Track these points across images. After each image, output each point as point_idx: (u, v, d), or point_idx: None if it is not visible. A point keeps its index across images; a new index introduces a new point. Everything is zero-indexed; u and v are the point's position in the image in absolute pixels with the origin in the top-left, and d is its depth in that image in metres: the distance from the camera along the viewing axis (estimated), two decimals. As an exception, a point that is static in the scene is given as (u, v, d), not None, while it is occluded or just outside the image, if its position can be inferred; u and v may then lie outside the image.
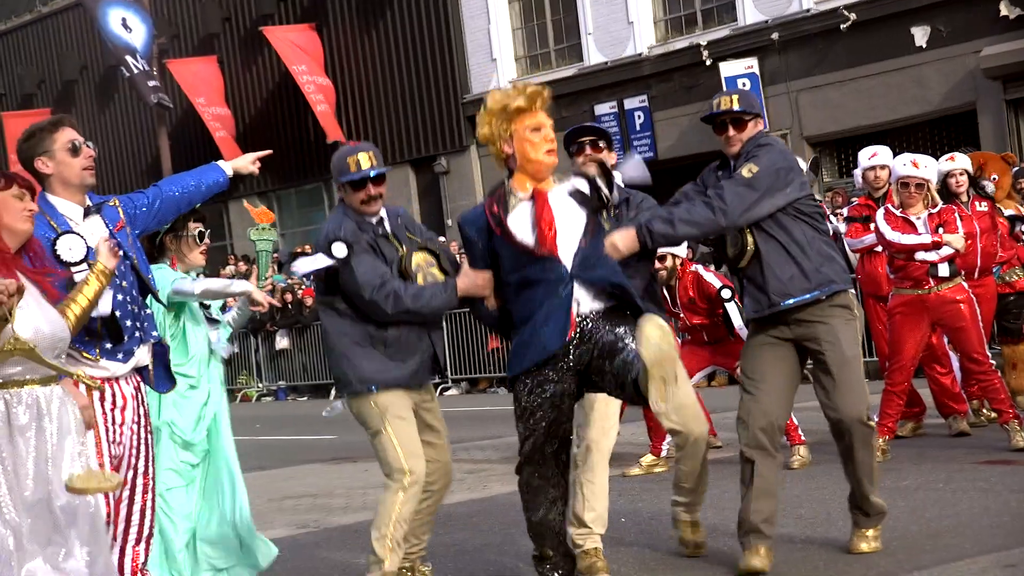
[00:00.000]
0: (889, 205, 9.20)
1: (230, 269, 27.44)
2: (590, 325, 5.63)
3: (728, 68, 21.45)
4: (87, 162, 5.11)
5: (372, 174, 6.06)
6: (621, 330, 5.58)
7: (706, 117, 6.26)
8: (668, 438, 9.57)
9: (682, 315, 9.78)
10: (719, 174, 6.24)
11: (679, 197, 6.27)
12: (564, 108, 24.44)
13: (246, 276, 26.13)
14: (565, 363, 5.63)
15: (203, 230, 6.54)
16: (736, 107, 6.17)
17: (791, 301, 6.01)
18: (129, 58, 28.22)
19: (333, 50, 27.98)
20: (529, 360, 5.65)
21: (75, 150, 5.09)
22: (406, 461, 5.99)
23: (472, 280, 5.89)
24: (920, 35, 19.97)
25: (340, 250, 5.94)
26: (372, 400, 6.05)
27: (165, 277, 6.24)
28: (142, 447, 5.12)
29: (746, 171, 5.96)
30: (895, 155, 9.90)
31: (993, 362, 9.33)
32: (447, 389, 20.21)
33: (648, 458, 9.65)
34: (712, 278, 9.72)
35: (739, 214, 5.92)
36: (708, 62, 22.01)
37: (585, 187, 5.72)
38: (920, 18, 19.90)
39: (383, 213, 6.19)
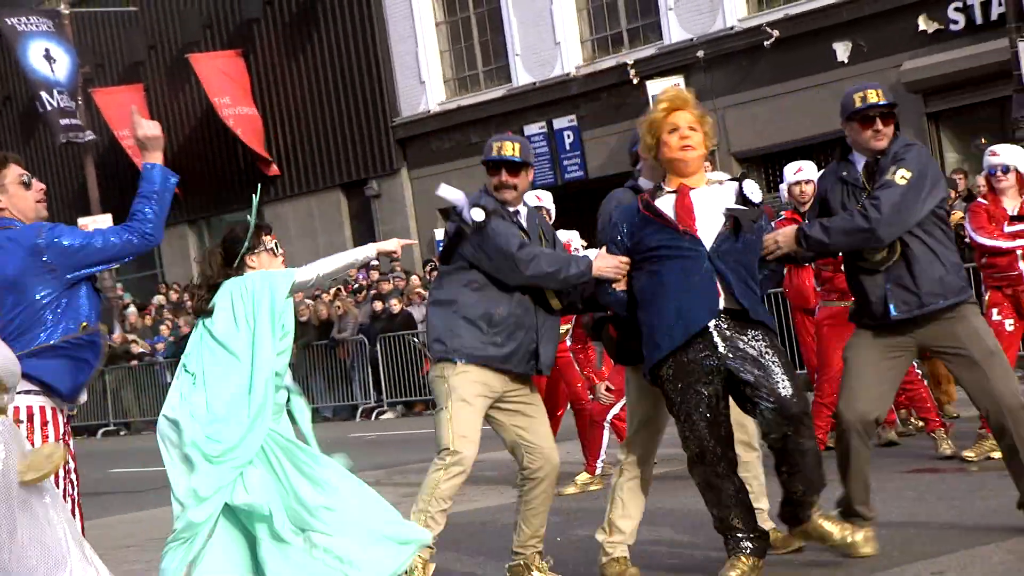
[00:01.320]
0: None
1: (159, 299, 27.25)
2: (726, 325, 5.76)
3: (655, 86, 21.62)
4: (39, 195, 5.26)
5: (508, 159, 6.25)
6: (760, 345, 5.75)
7: (854, 113, 6.16)
8: (602, 456, 9.63)
9: None
10: (844, 173, 6.21)
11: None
12: (494, 129, 24.53)
13: (178, 305, 25.97)
14: (712, 346, 5.73)
15: (276, 240, 6.22)
16: (883, 100, 6.15)
17: (943, 303, 6.09)
18: (44, 93, 27.98)
19: (261, 76, 27.92)
20: (678, 338, 5.73)
21: (27, 184, 5.23)
22: (455, 441, 6.15)
23: (608, 261, 6.02)
24: (842, 50, 20.26)
25: (479, 214, 6.14)
26: (450, 372, 6.18)
27: (274, 276, 5.82)
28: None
29: (899, 177, 5.96)
30: (820, 169, 10.05)
31: (919, 372, 9.48)
32: (382, 413, 20.17)
33: (583, 476, 9.71)
34: None
35: (897, 225, 5.97)
36: (635, 81, 22.19)
37: (732, 195, 5.90)
38: (841, 34, 20.19)
39: (521, 209, 6.39)
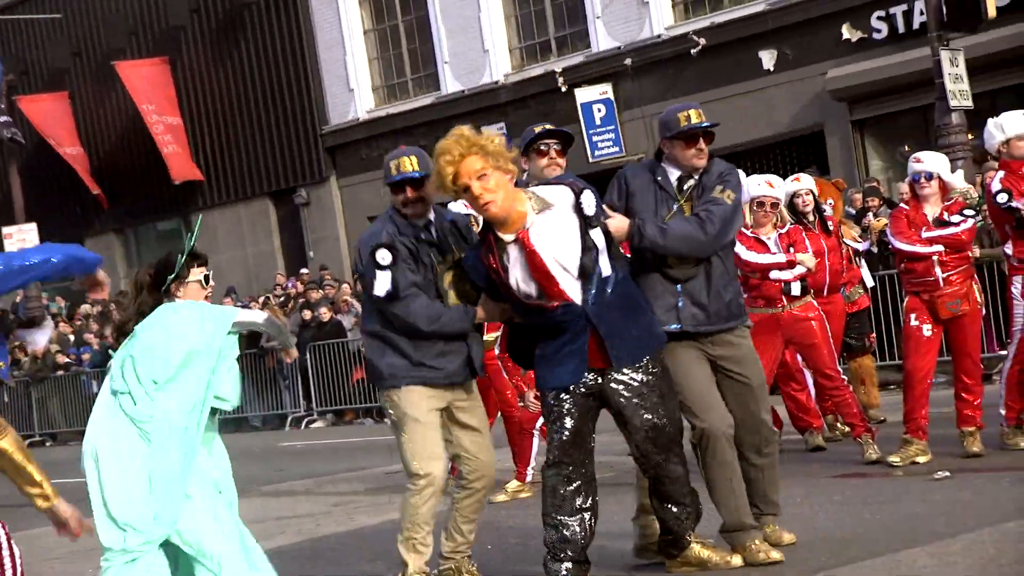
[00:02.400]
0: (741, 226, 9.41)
1: (85, 308, 26.94)
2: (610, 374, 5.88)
3: (583, 94, 21.74)
4: None
5: (411, 176, 6.26)
6: (640, 375, 5.90)
7: (680, 132, 6.34)
8: (532, 463, 9.65)
9: None
10: (659, 178, 6.37)
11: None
12: (422, 137, 24.49)
13: (104, 315, 25.67)
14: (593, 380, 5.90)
15: (207, 273, 6.02)
16: (707, 121, 6.40)
17: (725, 325, 6.35)
18: None
19: (187, 83, 27.72)
20: (564, 380, 5.88)
21: None
22: (419, 464, 6.26)
23: (490, 310, 6.18)
24: (767, 59, 20.46)
25: (385, 257, 6.23)
26: (395, 397, 6.30)
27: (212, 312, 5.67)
28: None
29: (727, 196, 6.22)
30: (745, 175, 10.15)
31: (845, 377, 9.59)
32: (312, 422, 20.08)
33: (513, 484, 9.71)
34: None
35: (722, 241, 6.25)
36: (564, 88, 22.27)
37: (565, 199, 5.81)
38: (767, 42, 20.39)
39: (432, 217, 6.39)
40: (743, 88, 20.57)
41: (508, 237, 5.76)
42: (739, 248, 9.16)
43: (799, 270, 9.23)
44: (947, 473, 8.16)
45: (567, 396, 5.89)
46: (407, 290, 6.24)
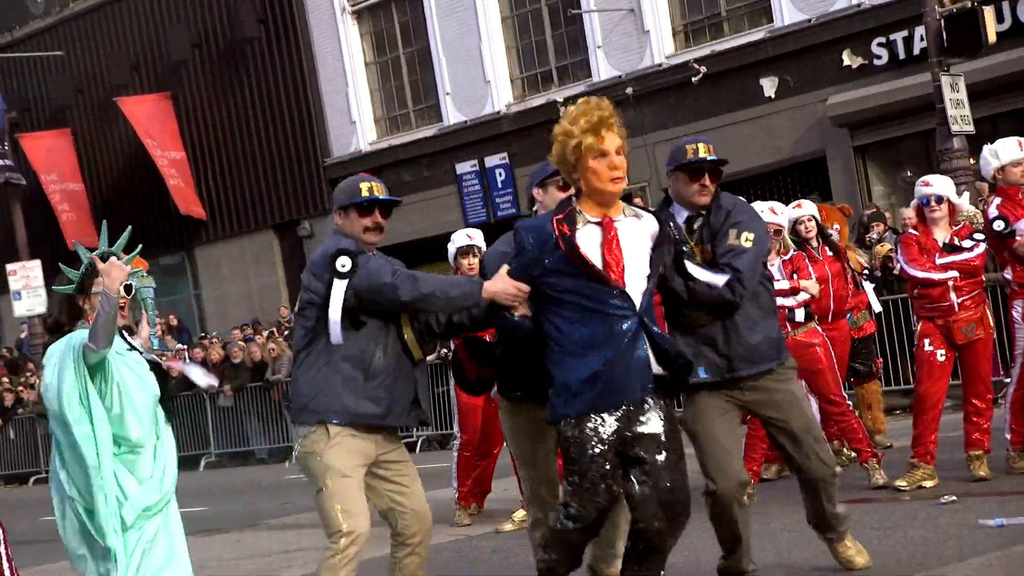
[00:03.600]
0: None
1: None
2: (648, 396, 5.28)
3: (585, 123, 21.75)
4: None
5: (383, 199, 5.84)
6: (666, 425, 5.28)
7: (685, 164, 6.03)
8: None
9: None
10: (682, 227, 6.04)
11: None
12: (426, 168, 24.60)
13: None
14: (629, 419, 5.24)
15: (126, 283, 5.80)
16: (713, 155, 6.03)
17: (752, 370, 5.98)
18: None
19: (189, 118, 27.81)
20: (601, 401, 5.18)
21: None
22: (345, 521, 5.66)
23: (505, 286, 5.45)
24: (768, 86, 20.51)
25: (345, 263, 5.64)
26: (321, 448, 5.68)
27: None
28: None
29: (745, 240, 5.87)
30: (749, 203, 10.16)
31: (850, 403, 9.57)
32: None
33: (520, 513, 9.69)
34: None
35: (748, 290, 5.88)
36: (565, 118, 22.30)
37: (651, 224, 5.41)
38: (768, 69, 20.45)
39: (376, 252, 5.89)
40: (744, 115, 20.61)
41: (593, 217, 5.28)
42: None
43: (802, 296, 9.23)
44: (954, 497, 8.13)
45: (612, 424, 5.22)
46: (394, 272, 5.65)
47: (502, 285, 5.43)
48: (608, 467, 5.16)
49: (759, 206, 9.46)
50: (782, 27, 20.30)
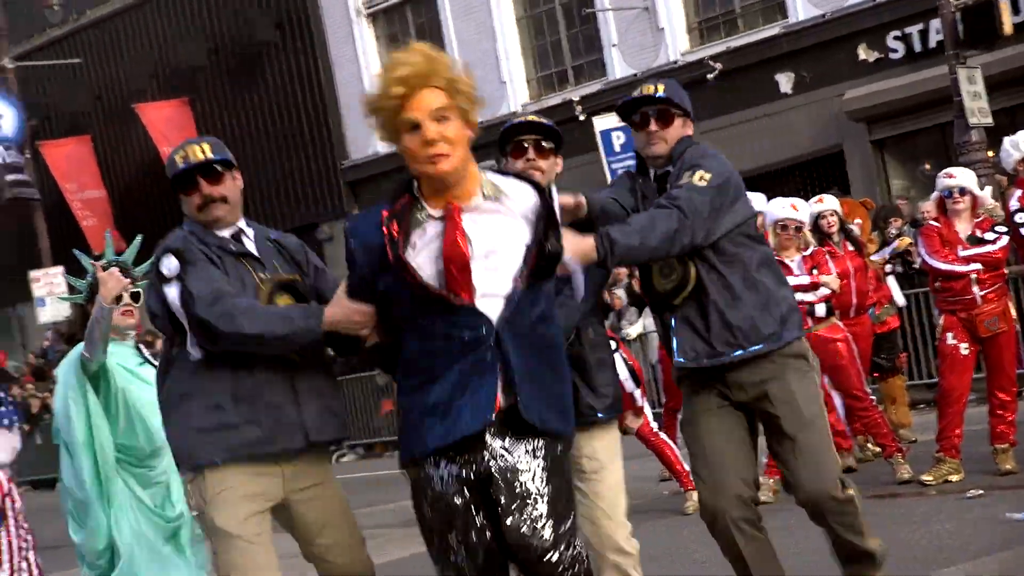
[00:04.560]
0: (763, 250, 9.42)
1: None
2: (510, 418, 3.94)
3: (602, 122, 21.78)
4: None
5: (202, 163, 4.60)
6: (528, 468, 3.94)
7: (624, 105, 5.09)
8: (686, 464, 9.42)
9: None
10: (640, 182, 5.10)
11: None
12: (443, 169, 24.63)
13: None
14: (481, 456, 3.94)
15: (134, 291, 5.93)
16: (660, 93, 5.00)
17: (739, 352, 4.89)
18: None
19: (207, 123, 27.89)
20: (438, 438, 3.93)
21: None
22: None
23: (346, 312, 4.20)
24: (785, 81, 20.50)
25: (170, 265, 4.52)
26: (207, 500, 4.52)
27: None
28: None
29: (697, 178, 4.77)
30: (767, 199, 10.17)
31: (873, 398, 9.57)
32: (342, 455, 20.09)
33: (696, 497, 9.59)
34: None
35: (704, 227, 4.74)
36: (582, 117, 22.34)
37: (527, 199, 4.01)
38: (784, 65, 20.42)
39: (243, 226, 4.72)
40: (761, 111, 20.59)
41: (435, 211, 3.93)
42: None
43: (823, 292, 9.24)
44: (980, 491, 8.14)
45: (455, 471, 3.95)
46: (217, 290, 4.45)
47: (341, 312, 4.22)
48: (463, 517, 3.95)
49: (779, 203, 9.48)
50: (797, 22, 20.27)
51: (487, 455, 3.91)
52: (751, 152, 20.66)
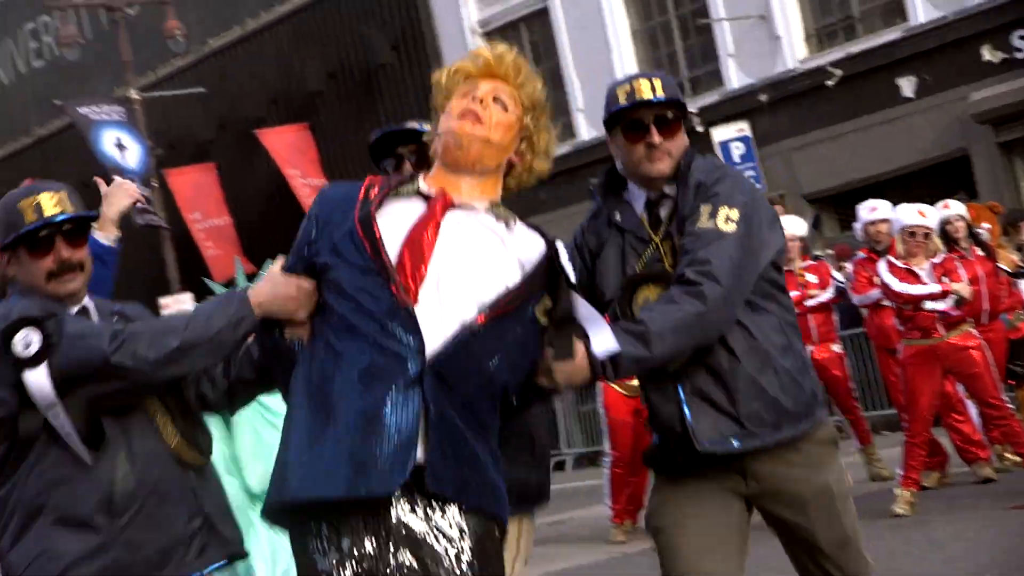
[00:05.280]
0: (891, 257, 9.27)
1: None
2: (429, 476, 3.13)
3: (720, 133, 21.63)
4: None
5: (64, 220, 3.61)
6: (444, 538, 3.14)
7: (617, 115, 3.96)
8: None
9: None
10: (614, 215, 3.98)
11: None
12: (561, 186, 24.62)
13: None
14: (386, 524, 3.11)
15: None
16: (660, 95, 3.91)
17: (782, 434, 3.81)
18: (118, 178, 28.50)
19: (328, 146, 28.26)
20: (336, 490, 3.08)
21: None
22: None
23: (278, 287, 3.38)
24: (907, 85, 20.16)
25: (29, 340, 3.45)
26: None
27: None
28: None
29: (722, 219, 3.73)
30: (893, 206, 10.02)
31: (1011, 406, 9.35)
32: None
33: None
34: None
35: (737, 296, 3.72)
36: (700, 128, 22.20)
37: (532, 248, 3.36)
38: (906, 69, 20.09)
39: (88, 304, 3.70)
40: (883, 117, 20.28)
41: (425, 186, 3.37)
42: (890, 279, 9.03)
43: (954, 300, 9.06)
44: None
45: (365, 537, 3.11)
46: (106, 328, 3.53)
47: (270, 288, 3.41)
48: None
49: (907, 209, 9.31)
50: (918, 25, 19.93)
51: (395, 522, 3.08)
52: (874, 158, 20.36)
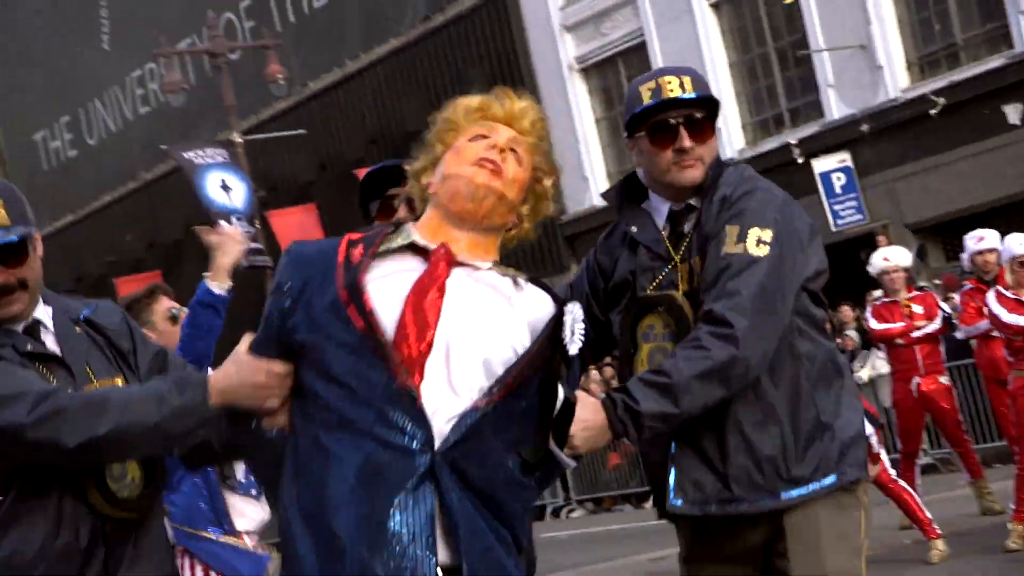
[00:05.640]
0: (999, 287, 9.10)
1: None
2: None
3: (821, 164, 21.45)
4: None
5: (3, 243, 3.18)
6: None
7: (641, 116, 3.56)
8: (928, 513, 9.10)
9: None
10: (631, 227, 3.53)
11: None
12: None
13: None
14: None
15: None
16: (690, 92, 3.49)
17: (766, 501, 3.33)
18: (224, 222, 28.87)
19: (428, 185, 28.49)
20: None
21: (174, 319, 5.23)
22: None
23: (245, 372, 2.92)
24: (1012, 113, 19.82)
25: None
26: None
27: None
28: None
29: (753, 243, 3.26)
30: (1001, 235, 9.85)
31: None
32: (571, 511, 20.08)
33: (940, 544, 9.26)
34: None
35: (770, 332, 3.25)
36: (800, 160, 22.02)
37: (541, 307, 2.92)
38: (1011, 96, 19.77)
39: (42, 315, 3.32)
40: (990, 144, 19.95)
41: (423, 241, 2.90)
42: (999, 310, 8.86)
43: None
44: None
45: None
46: (35, 391, 3.04)
47: (236, 375, 2.92)
48: None
49: (1016, 238, 9.13)
50: (1023, 52, 19.62)
51: None
52: (979, 187, 20.03)
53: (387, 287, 2.80)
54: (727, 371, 3.18)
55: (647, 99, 3.53)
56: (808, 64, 22.27)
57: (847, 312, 17.28)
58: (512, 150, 2.97)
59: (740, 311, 3.19)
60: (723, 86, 23.48)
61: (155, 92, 34.64)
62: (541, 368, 2.84)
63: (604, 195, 3.73)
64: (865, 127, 21.28)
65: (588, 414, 3.09)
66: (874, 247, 14.81)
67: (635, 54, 24.80)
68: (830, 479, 3.35)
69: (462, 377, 2.76)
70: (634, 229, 3.53)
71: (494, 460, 2.79)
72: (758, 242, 3.27)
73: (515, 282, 2.94)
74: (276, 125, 31.61)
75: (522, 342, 2.83)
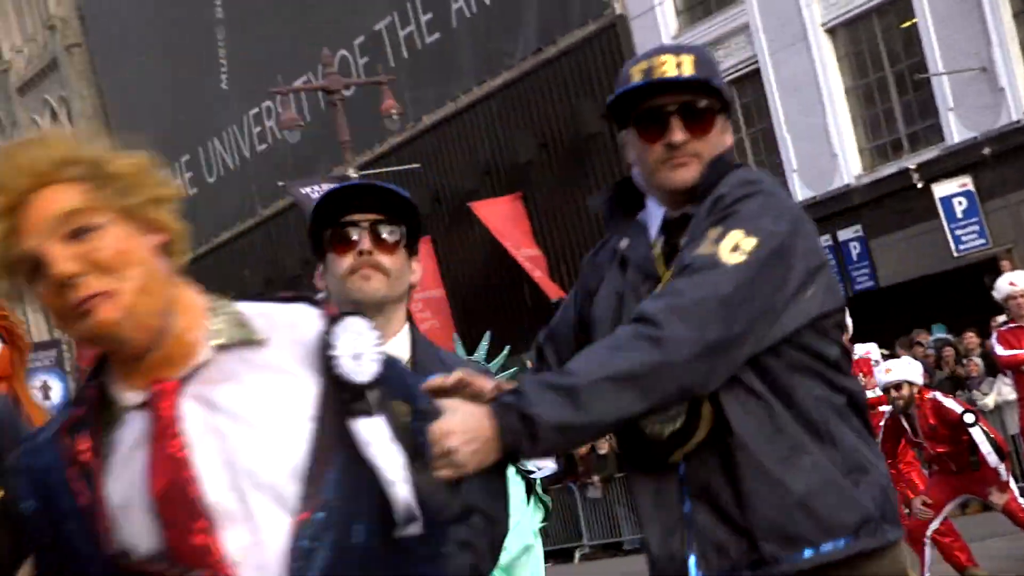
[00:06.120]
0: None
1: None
2: None
3: (941, 189, 21.04)
4: None
5: None
6: None
7: (622, 97, 2.90)
8: (927, 574, 9.16)
9: (925, 445, 9.44)
10: (623, 241, 2.95)
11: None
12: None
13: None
14: None
15: None
16: (687, 73, 2.83)
17: (809, 553, 2.67)
18: None
19: (540, 216, 28.47)
20: None
21: None
22: None
23: None
24: None
25: None
26: None
27: None
28: None
29: (727, 246, 2.65)
30: None
31: None
32: (585, 553, 19.83)
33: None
34: (952, 404, 9.38)
35: (723, 353, 2.60)
36: (920, 185, 21.62)
37: (295, 331, 2.10)
38: None
39: None
40: (1118, 165, 19.43)
41: (132, 396, 2.08)
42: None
43: None
44: None
45: None
46: None
47: None
48: None
49: None
50: None
51: None
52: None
53: (120, 484, 2.05)
54: (647, 379, 2.52)
55: (637, 78, 2.87)
56: (927, 88, 21.88)
57: (972, 338, 16.90)
58: (74, 233, 1.99)
59: (677, 314, 2.55)
60: (839, 112, 23.18)
61: (272, 129, 35.17)
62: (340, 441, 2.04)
63: (591, 203, 3.15)
64: (987, 150, 20.82)
65: (472, 423, 2.39)
66: (998, 272, 14.45)
67: (749, 81, 24.57)
68: (882, 532, 2.71)
69: (261, 521, 2.01)
70: (623, 243, 2.93)
71: (353, 556, 2.04)
72: (734, 248, 2.63)
73: (245, 334, 2.08)
74: (390, 159, 31.89)
75: (308, 408, 2.05)
